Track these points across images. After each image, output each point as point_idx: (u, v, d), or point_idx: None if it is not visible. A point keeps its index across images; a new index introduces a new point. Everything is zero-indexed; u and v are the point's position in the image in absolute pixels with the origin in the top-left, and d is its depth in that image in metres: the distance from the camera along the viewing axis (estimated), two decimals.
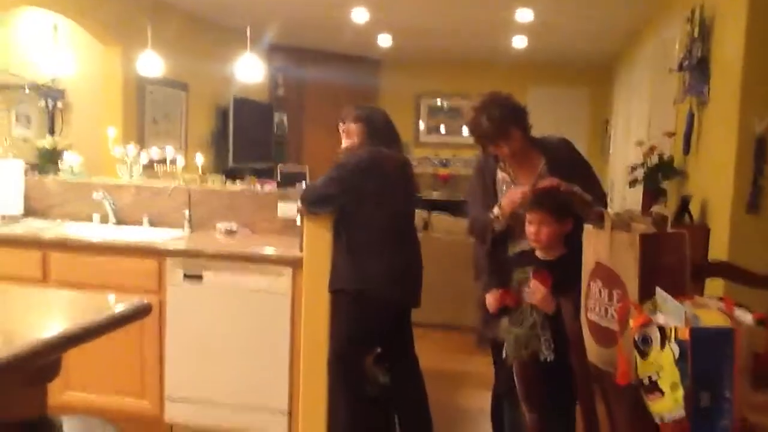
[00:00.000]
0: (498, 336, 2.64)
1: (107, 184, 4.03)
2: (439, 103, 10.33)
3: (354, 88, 9.20)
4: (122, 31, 6.03)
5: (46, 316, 2.14)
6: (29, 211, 4.04)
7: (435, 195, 9.85)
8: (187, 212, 3.83)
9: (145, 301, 2.13)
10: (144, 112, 6.55)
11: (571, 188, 2.52)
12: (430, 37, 8.22)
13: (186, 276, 3.28)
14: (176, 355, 3.31)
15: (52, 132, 5.55)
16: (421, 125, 10.39)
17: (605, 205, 2.69)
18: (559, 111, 8.67)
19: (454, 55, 9.34)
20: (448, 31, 7.87)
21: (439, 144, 10.30)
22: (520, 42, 8.05)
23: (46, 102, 5.75)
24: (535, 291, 2.38)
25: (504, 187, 2.74)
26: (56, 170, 4.38)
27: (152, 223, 3.88)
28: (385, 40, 8.42)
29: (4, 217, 3.89)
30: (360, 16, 6.94)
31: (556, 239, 2.43)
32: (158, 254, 3.31)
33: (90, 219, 3.91)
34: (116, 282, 3.27)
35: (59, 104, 5.88)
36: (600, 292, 1.96)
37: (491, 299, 2.52)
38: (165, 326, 3.31)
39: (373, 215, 2.99)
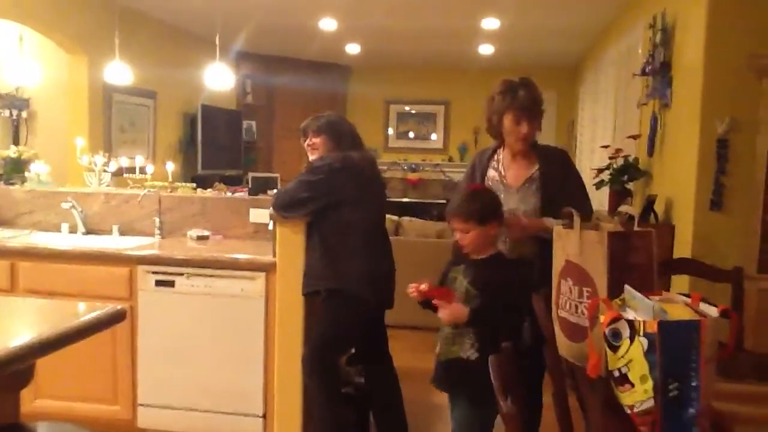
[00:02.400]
0: None
1: (76, 193, 3.99)
2: (407, 109, 10.40)
3: (323, 95, 9.23)
4: (89, 40, 5.97)
5: (17, 323, 2.12)
6: None
7: (405, 199, 9.92)
8: (157, 219, 3.81)
9: (119, 307, 2.12)
10: (111, 121, 6.49)
11: (542, 226, 2.55)
12: (399, 43, 8.29)
13: (158, 282, 3.26)
14: (149, 361, 3.29)
15: (16, 142, 5.47)
16: (390, 131, 10.45)
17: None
18: None
19: (422, 62, 9.43)
20: (415, 39, 7.94)
21: (408, 149, 10.37)
22: (486, 49, 8.15)
23: (11, 112, 5.67)
24: (441, 311, 2.43)
25: (493, 187, 2.74)
26: (23, 180, 4.32)
27: (122, 232, 3.85)
28: (353, 48, 8.46)
29: None
30: (328, 24, 6.97)
31: (482, 242, 2.50)
32: (129, 261, 3.29)
33: (59, 228, 3.86)
34: (87, 290, 3.23)
35: (24, 114, 5.80)
36: (570, 289, 2.00)
37: (412, 287, 2.47)
38: (137, 333, 3.29)
39: (348, 216, 3.01)
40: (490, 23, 6.79)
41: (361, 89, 10.09)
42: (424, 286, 2.44)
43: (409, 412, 3.25)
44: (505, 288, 2.42)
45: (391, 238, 3.27)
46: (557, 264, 2.07)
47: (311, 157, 3.19)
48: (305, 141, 3.20)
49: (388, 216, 4.29)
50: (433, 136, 10.39)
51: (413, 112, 10.41)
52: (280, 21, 7.08)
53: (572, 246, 2.00)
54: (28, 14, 5.43)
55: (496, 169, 2.80)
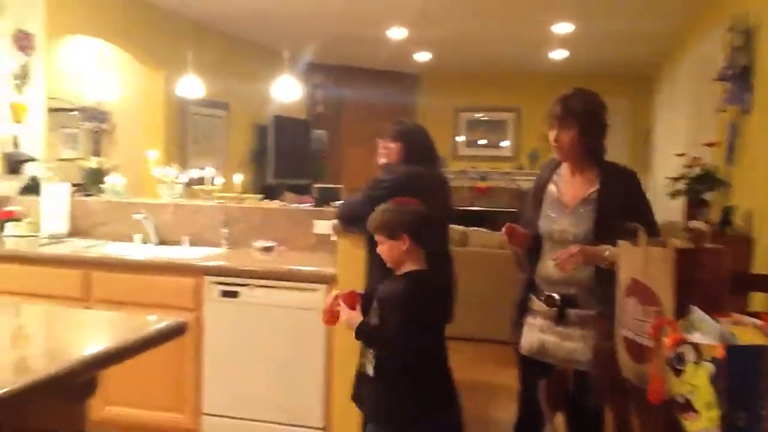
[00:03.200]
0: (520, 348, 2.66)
1: (148, 204, 4.12)
2: (477, 116, 10.31)
3: (392, 104, 9.25)
4: (165, 55, 6.19)
5: (87, 335, 2.20)
6: (74, 231, 4.15)
7: (473, 207, 9.82)
8: (225, 230, 3.90)
9: (181, 321, 2.17)
10: (186, 133, 6.70)
11: (600, 258, 2.41)
12: (468, 50, 8.24)
13: (223, 293, 3.33)
14: (214, 371, 3.35)
15: (97, 153, 5.70)
16: (460, 139, 10.38)
17: None
18: None
19: (491, 68, 9.34)
20: (485, 45, 7.88)
21: (478, 157, 10.27)
22: (558, 54, 8.00)
23: (93, 124, 5.93)
24: (342, 311, 2.45)
25: (550, 203, 2.64)
26: (100, 191, 4.50)
27: (192, 242, 3.95)
28: (423, 56, 8.46)
29: (50, 237, 4.01)
30: (398, 33, 7.00)
31: (396, 257, 2.46)
32: (196, 272, 3.37)
33: (132, 239, 4.00)
34: (155, 300, 3.33)
35: (104, 126, 6.05)
36: (636, 308, 1.92)
37: (329, 297, 2.54)
38: (202, 343, 3.36)
39: None
40: (563, 28, 6.66)
41: (429, 97, 10.07)
42: (329, 298, 2.52)
43: (468, 425, 3.20)
44: (396, 304, 2.39)
45: (457, 249, 3.24)
46: (621, 281, 1.99)
47: (381, 161, 3.19)
48: (381, 144, 3.21)
49: (455, 226, 4.26)
50: (504, 144, 10.26)
51: (483, 119, 10.32)
52: (349, 31, 7.15)
53: (637, 263, 1.92)
54: (110, 31, 5.68)
55: (556, 184, 2.67)
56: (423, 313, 2.40)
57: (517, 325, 2.68)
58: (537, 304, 2.62)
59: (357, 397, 2.56)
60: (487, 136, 10.32)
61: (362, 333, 2.41)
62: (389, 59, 8.53)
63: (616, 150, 2.83)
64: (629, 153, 8.78)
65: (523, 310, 2.68)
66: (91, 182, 4.73)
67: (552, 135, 2.56)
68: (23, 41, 4.53)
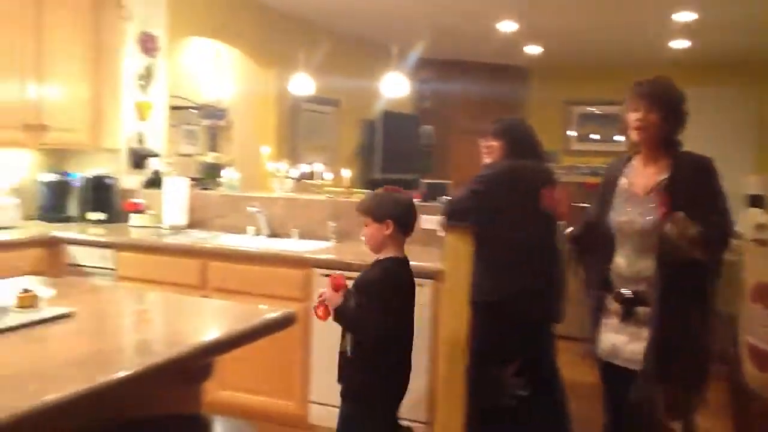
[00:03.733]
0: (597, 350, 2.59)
1: (261, 198, 4.27)
2: (590, 110, 9.98)
3: (500, 98, 9.10)
4: (277, 53, 6.38)
5: (204, 322, 2.30)
6: (192, 223, 4.36)
7: (582, 204, 9.49)
8: (333, 224, 3.97)
9: (291, 311, 2.24)
10: (297, 129, 6.88)
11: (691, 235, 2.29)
12: (581, 42, 7.98)
13: None
14: (321, 360, 3.43)
15: (213, 149, 5.96)
16: (571, 133, 10.09)
17: (724, 246, 2.39)
18: (723, 112, 8.10)
19: (606, 60, 8.97)
20: (600, 36, 7.59)
21: (591, 152, 9.93)
22: (679, 44, 7.60)
23: (210, 121, 6.20)
24: (327, 290, 2.58)
25: (621, 195, 2.56)
26: (217, 184, 4.71)
27: (302, 235, 4.06)
28: (533, 49, 8.28)
29: (171, 228, 4.23)
30: (508, 26, 6.88)
31: (378, 241, 2.61)
32: (305, 264, 3.46)
33: (245, 231, 4.15)
34: (267, 290, 3.44)
35: (221, 123, 6.31)
36: (763, 314, 1.80)
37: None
38: (311, 333, 3.44)
39: (509, 229, 2.95)
40: (685, 16, 6.31)
41: (540, 91, 9.83)
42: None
43: (580, 427, 3.12)
44: (369, 288, 2.55)
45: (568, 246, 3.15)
46: (747, 284, 1.87)
47: (485, 160, 3.18)
48: (483, 142, 3.19)
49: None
50: (618, 138, 9.87)
51: (597, 113, 9.97)
52: (457, 25, 7.10)
53: (766, 266, 1.80)
54: (225, 32, 5.92)
55: (627, 177, 2.59)
56: (394, 298, 2.55)
57: (595, 327, 2.60)
58: (610, 302, 2.54)
59: (339, 377, 2.68)
60: (601, 130, 9.96)
61: (339, 315, 2.55)
62: (498, 53, 8.39)
63: (743, 141, 2.66)
64: (759, 143, 8.24)
65: (599, 309, 2.59)
66: (208, 176, 4.96)
67: (636, 115, 2.50)
68: (148, 43, 4.80)
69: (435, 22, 6.94)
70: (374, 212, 2.62)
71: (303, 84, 5.37)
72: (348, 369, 2.64)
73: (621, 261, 2.49)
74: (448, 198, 3.45)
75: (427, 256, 3.39)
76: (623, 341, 2.49)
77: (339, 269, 3.38)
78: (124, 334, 2.21)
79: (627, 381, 2.45)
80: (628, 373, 2.46)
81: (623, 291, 2.47)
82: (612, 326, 2.53)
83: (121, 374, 1.60)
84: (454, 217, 3.13)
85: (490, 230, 3.00)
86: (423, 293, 3.21)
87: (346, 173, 4.27)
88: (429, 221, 3.76)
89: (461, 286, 3.09)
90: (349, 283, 2.64)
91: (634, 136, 2.53)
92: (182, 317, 2.32)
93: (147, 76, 4.81)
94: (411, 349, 2.69)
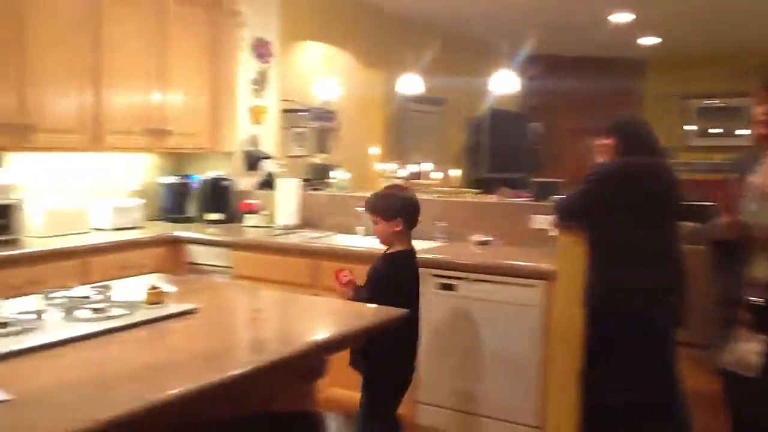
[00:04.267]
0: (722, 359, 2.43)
1: None
2: (710, 103, 9.45)
3: (613, 92, 8.77)
4: (384, 55, 6.45)
5: (317, 321, 2.35)
6: (304, 222, 4.47)
7: (702, 202, 8.98)
8: (442, 224, 3.96)
9: (402, 310, 2.25)
10: (404, 129, 6.92)
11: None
12: (701, 31, 7.58)
13: (440, 286, 3.39)
14: (430, 361, 3.42)
15: (322, 150, 6.08)
16: (691, 128, 9.59)
17: None
18: None
19: (727, 50, 8.47)
20: (720, 26, 7.18)
21: (712, 147, 9.39)
22: None
23: (319, 123, 6.33)
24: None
25: (751, 195, 2.40)
26: (326, 185, 4.80)
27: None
28: (648, 40, 7.94)
29: (283, 228, 4.35)
30: (622, 17, 6.64)
31: (388, 237, 2.80)
32: None
33: (354, 230, 4.21)
34: None
35: (330, 125, 6.44)
36: None
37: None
38: (419, 333, 3.43)
39: (625, 229, 2.82)
40: None
41: (656, 84, 9.41)
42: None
43: None
44: (380, 279, 2.71)
45: (687, 247, 2.98)
46: None
47: (600, 158, 3.07)
48: (596, 142, 3.09)
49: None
50: (741, 132, 9.29)
51: (718, 105, 9.43)
52: (568, 19, 6.92)
53: None
54: (334, 36, 6.05)
55: (756, 174, 2.42)
56: (401, 287, 2.71)
57: (721, 335, 2.44)
58: (739, 310, 2.39)
59: (352, 361, 2.77)
60: (723, 124, 9.41)
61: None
62: (611, 46, 8.10)
63: None
64: None
65: (728, 316, 2.43)
66: (318, 177, 5.06)
67: (762, 108, 2.36)
68: (261, 49, 4.97)
69: (545, 17, 6.79)
70: (384, 211, 2.79)
71: (411, 84, 5.40)
72: (360, 356, 2.74)
73: (755, 266, 2.34)
74: (560, 197, 3.36)
75: (539, 257, 3.32)
76: (751, 351, 2.35)
77: (450, 269, 3.37)
78: (244, 330, 2.29)
79: (753, 393, 2.31)
80: (755, 384, 2.31)
81: (754, 299, 2.32)
82: (741, 335, 2.38)
83: (242, 370, 1.65)
84: (566, 216, 3.05)
85: (605, 230, 2.89)
86: (534, 294, 3.15)
87: (455, 173, 4.24)
88: (540, 221, 3.69)
89: (575, 287, 2.99)
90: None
91: (761, 130, 2.38)
92: (297, 315, 2.37)
93: (261, 81, 4.97)
94: (418, 335, 2.82)
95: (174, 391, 1.48)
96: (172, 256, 4.15)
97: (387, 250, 2.85)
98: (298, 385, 2.18)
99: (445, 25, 7.12)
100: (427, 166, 4.56)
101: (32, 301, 2.13)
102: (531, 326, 3.16)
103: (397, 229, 2.77)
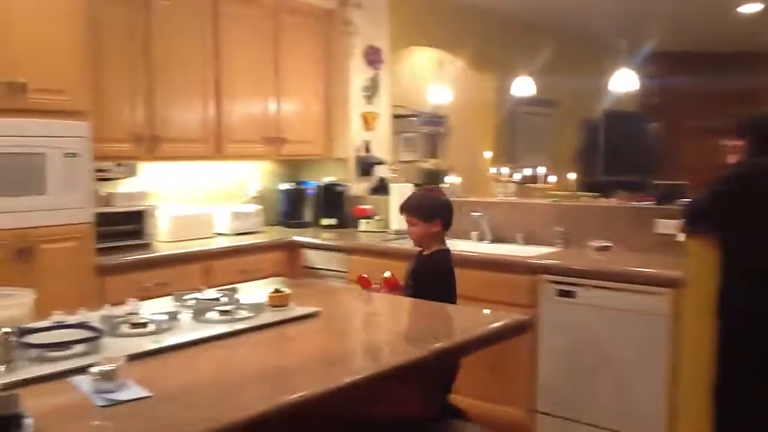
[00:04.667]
0: None
1: (483, 203, 4.26)
2: None
3: (742, 90, 8.23)
4: (495, 58, 6.37)
5: (434, 326, 2.32)
6: None
7: None
8: (558, 229, 3.85)
9: (525, 318, 2.20)
10: (515, 132, 6.81)
11: None
12: None
13: (559, 293, 3.29)
14: (549, 370, 3.33)
15: (433, 155, 6.08)
16: None
17: None
18: None
19: None
20: None
21: None
22: None
23: (429, 128, 6.34)
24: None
25: None
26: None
27: (526, 240, 3.98)
28: None
29: (396, 232, 4.37)
30: (752, 8, 6.24)
31: (426, 238, 2.85)
32: (532, 270, 3.38)
33: (469, 236, 4.17)
34: (491, 295, 3.38)
35: (441, 130, 6.43)
36: None
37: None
38: (538, 341, 3.35)
39: (761, 234, 2.62)
40: None
41: None
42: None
43: None
44: (427, 280, 2.75)
45: None
46: None
47: (731, 160, 2.89)
48: (728, 142, 2.90)
49: None
50: None
51: None
52: (691, 13, 6.57)
53: None
54: (444, 41, 6.03)
55: None
56: (446, 284, 2.76)
57: None
58: None
59: None
60: None
61: None
62: (739, 39, 7.62)
63: None
64: None
65: None
66: (429, 182, 5.06)
67: None
68: (372, 56, 5.03)
69: (667, 12, 6.48)
70: (424, 213, 2.84)
71: (524, 86, 5.30)
72: None
73: None
74: (689, 200, 3.18)
75: (664, 263, 3.15)
76: None
77: (568, 276, 3.27)
78: (364, 334, 2.31)
79: None
80: None
81: None
82: None
83: (364, 374, 1.66)
84: (694, 220, 2.86)
85: (737, 235, 2.70)
86: (660, 302, 3.00)
87: (571, 176, 4.12)
88: (665, 225, 3.51)
89: (706, 295, 2.81)
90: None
91: None
92: (411, 321, 2.36)
93: (372, 88, 5.03)
94: None
95: (302, 393, 1.50)
96: (288, 260, 4.27)
97: (423, 251, 2.90)
98: (417, 392, 2.17)
99: (560, 24, 6.94)
100: (541, 170, 4.44)
101: (166, 303, 2.24)
102: (657, 336, 3.01)
103: (436, 230, 2.84)
